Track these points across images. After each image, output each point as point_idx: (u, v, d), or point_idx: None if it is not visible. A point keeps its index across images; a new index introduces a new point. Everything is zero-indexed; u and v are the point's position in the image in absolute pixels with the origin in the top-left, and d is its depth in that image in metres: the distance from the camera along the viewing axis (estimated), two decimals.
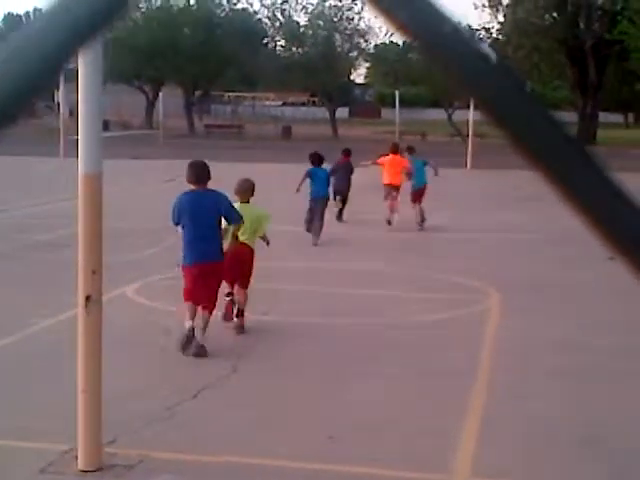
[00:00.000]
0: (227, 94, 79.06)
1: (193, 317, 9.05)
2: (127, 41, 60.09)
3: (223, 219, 9.45)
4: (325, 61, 61.16)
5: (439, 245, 16.46)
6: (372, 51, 67.05)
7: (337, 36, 64.15)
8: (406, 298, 11.91)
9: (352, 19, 63.20)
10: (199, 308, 9.10)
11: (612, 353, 9.38)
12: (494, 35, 63.98)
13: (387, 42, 69.17)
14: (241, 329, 9.84)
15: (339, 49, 64.70)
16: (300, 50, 64.39)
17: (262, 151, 45.32)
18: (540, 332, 10.08)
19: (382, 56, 67.82)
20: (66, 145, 33.14)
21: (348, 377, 8.34)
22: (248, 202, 10.38)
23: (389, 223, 18.58)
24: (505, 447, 6.60)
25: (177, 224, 9.54)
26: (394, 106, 45.99)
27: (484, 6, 61.57)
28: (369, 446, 6.58)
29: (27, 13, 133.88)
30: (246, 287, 10.07)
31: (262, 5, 65.09)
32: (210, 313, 9.15)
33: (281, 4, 63.60)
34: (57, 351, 8.50)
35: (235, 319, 9.97)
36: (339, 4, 62.43)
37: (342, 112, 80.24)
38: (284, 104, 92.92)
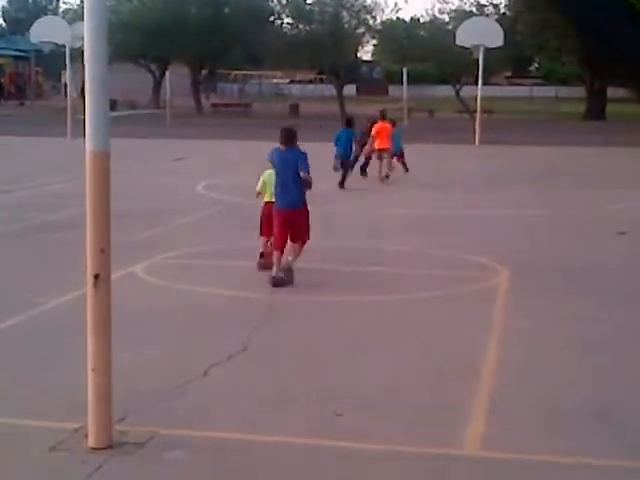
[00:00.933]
0: (234, 72, 78.84)
1: (279, 265, 10.95)
2: (133, 20, 59.90)
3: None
4: (332, 38, 60.78)
5: (446, 222, 16.42)
6: (379, 28, 66.58)
7: (344, 13, 63.76)
8: (412, 275, 11.90)
9: None
10: (288, 243, 11.10)
11: (624, 328, 9.38)
12: (502, 11, 63.66)
13: (394, 18, 68.75)
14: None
15: (346, 26, 64.32)
16: (307, 28, 64.00)
17: (270, 129, 45.17)
18: (550, 308, 10.08)
19: (389, 33, 67.31)
20: (73, 125, 33.12)
21: (356, 353, 8.35)
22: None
23: (387, 177, 22.31)
24: (515, 422, 6.61)
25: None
26: (402, 83, 45.75)
27: None
28: (376, 422, 6.59)
29: None
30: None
31: None
32: (301, 243, 11.23)
33: None
34: (68, 330, 8.53)
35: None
36: None
37: (349, 89, 79.87)
38: (291, 82, 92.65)
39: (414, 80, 57.33)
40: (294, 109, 63.79)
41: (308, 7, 63.43)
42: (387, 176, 22.30)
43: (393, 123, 23.69)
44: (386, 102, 55.35)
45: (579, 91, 66.75)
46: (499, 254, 12.96)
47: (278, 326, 9.28)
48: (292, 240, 11.14)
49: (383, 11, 65.70)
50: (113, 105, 53.18)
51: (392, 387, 7.42)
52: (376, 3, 64.37)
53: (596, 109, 59.24)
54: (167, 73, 55.72)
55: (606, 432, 6.48)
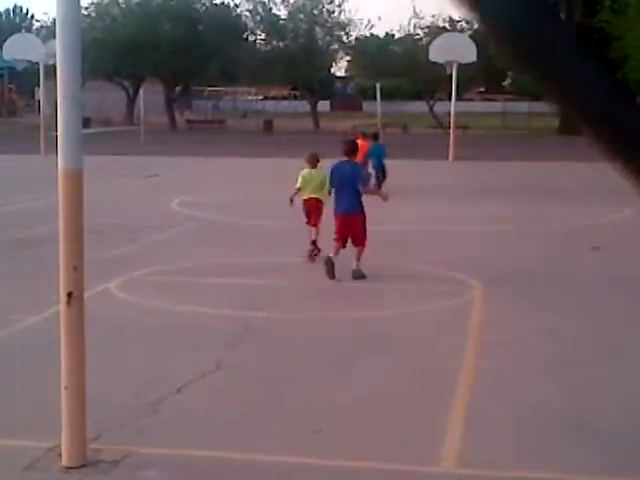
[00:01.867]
0: (208, 89, 78.87)
1: (336, 254, 12.35)
2: (106, 37, 59.87)
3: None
4: (306, 54, 61.07)
5: (419, 238, 16.46)
6: (353, 44, 66.89)
7: (317, 29, 64.06)
8: (388, 290, 11.92)
9: (332, 12, 63.12)
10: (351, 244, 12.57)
11: (597, 341, 9.42)
12: (475, 26, 64.06)
13: (368, 35, 69.08)
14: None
15: (320, 42, 64.60)
16: (281, 44, 64.26)
17: (244, 145, 45.24)
18: (525, 322, 10.11)
19: (363, 49, 67.65)
20: (47, 142, 33.01)
21: (333, 370, 8.34)
22: (316, 167, 14.05)
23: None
24: (492, 437, 6.62)
25: (332, 186, 12.86)
26: (375, 99, 45.92)
27: None
28: (354, 439, 6.58)
29: (7, 10, 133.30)
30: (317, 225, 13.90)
31: None
32: (362, 246, 12.57)
33: None
34: (41, 348, 8.47)
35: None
36: None
37: (323, 105, 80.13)
38: (265, 98, 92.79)
39: (388, 96, 57.61)
40: (268, 125, 63.90)
41: (281, 23, 63.61)
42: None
43: (375, 137, 24.29)
44: (360, 117, 55.60)
45: (552, 106, 67.14)
46: (474, 269, 12.99)
47: (254, 343, 9.25)
48: (354, 244, 12.58)
49: (357, 27, 65.73)
50: (87, 122, 53.08)
51: (370, 402, 7.41)
52: (350, 20, 64.33)
53: (569, 124, 59.51)
54: (141, 90, 55.70)
55: (584, 445, 6.48)
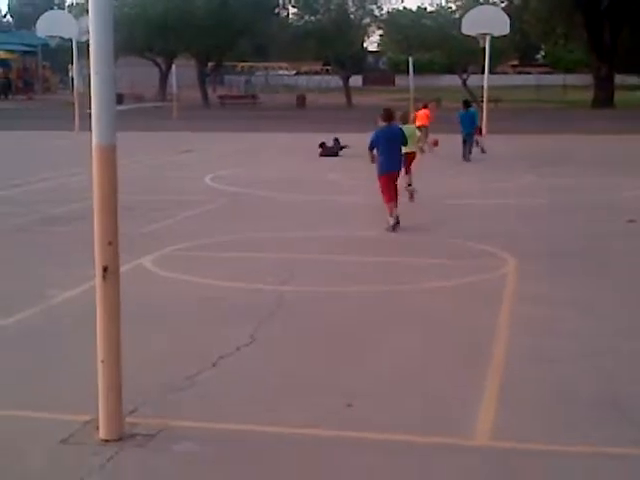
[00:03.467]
0: (240, 65, 78.80)
1: (392, 210, 14.25)
2: (139, 14, 59.88)
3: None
4: (338, 29, 60.78)
5: (454, 211, 16.40)
6: (385, 18, 66.51)
7: (349, 3, 63.73)
8: (421, 264, 11.90)
9: None
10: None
11: (633, 317, 9.36)
12: None
13: (400, 8, 68.69)
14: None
15: (352, 16, 64.28)
16: (312, 18, 64.00)
17: (277, 121, 45.23)
18: (559, 296, 10.06)
19: (395, 22, 67.24)
20: (80, 119, 33.18)
21: (367, 343, 8.35)
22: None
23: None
24: (525, 411, 6.61)
25: (372, 148, 14.44)
26: (408, 73, 45.69)
27: None
28: (388, 412, 6.60)
29: None
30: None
31: None
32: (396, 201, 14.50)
33: None
34: (78, 322, 8.56)
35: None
36: None
37: (356, 80, 79.84)
38: (297, 73, 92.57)
39: (420, 70, 57.29)
40: (301, 100, 63.79)
41: None
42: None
43: (466, 104, 26.54)
44: (393, 92, 55.33)
45: (587, 79, 66.54)
46: (508, 243, 12.94)
47: (287, 317, 9.28)
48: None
49: (389, 0, 65.33)
50: (120, 99, 53.25)
51: (403, 377, 7.42)
52: None
53: (604, 97, 58.99)
54: (173, 66, 55.79)
55: (619, 421, 6.46)
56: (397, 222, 14.08)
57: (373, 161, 14.49)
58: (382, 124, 14.48)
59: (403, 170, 15.60)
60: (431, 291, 10.41)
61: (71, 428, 6.17)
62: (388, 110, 14.77)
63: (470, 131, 25.68)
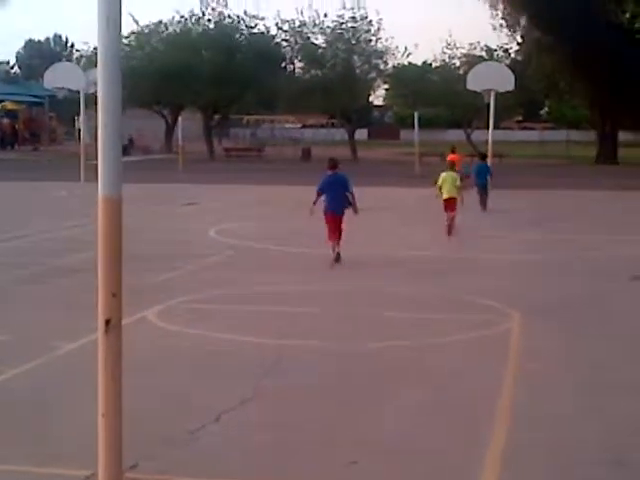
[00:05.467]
0: (246, 117, 79.22)
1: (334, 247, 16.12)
2: (146, 66, 60.33)
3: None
4: (344, 83, 61.13)
5: (457, 265, 16.38)
6: (390, 72, 66.97)
7: (355, 57, 64.19)
8: (424, 319, 11.84)
9: (370, 40, 63.24)
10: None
11: (639, 372, 9.29)
12: (512, 56, 64.00)
13: (405, 63, 69.12)
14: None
15: (358, 70, 64.71)
16: (319, 72, 64.43)
17: (282, 173, 45.36)
18: (564, 353, 10.00)
19: (401, 77, 67.69)
20: (86, 170, 33.32)
21: (369, 399, 8.29)
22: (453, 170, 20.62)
23: None
24: (529, 473, 6.53)
25: (320, 192, 16.39)
26: (413, 127, 45.93)
27: (501, 26, 61.65)
28: (391, 471, 6.52)
29: (47, 39, 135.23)
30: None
31: (280, 28, 64.72)
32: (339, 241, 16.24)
33: (299, 26, 63.73)
34: (79, 374, 8.50)
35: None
36: (356, 25, 62.48)
37: (361, 134, 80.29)
38: (303, 126, 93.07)
39: (425, 124, 57.56)
40: (306, 153, 64.03)
41: (320, 51, 63.81)
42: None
43: (483, 157, 28.57)
44: (398, 146, 55.56)
45: (590, 135, 66.80)
46: (511, 298, 12.89)
47: (290, 372, 9.21)
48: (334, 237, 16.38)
49: (394, 56, 65.77)
50: (126, 150, 53.52)
51: (406, 434, 7.35)
52: (387, 48, 64.37)
53: (607, 153, 59.17)
54: (180, 118, 56.07)
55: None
56: (338, 258, 15.99)
57: (315, 203, 16.47)
58: (329, 172, 16.61)
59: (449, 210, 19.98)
60: (433, 346, 10.34)
61: None
62: (333, 160, 16.95)
63: (484, 182, 26.50)
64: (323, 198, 16.41)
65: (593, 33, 50.83)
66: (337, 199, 16.28)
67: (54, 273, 14.86)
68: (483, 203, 26.27)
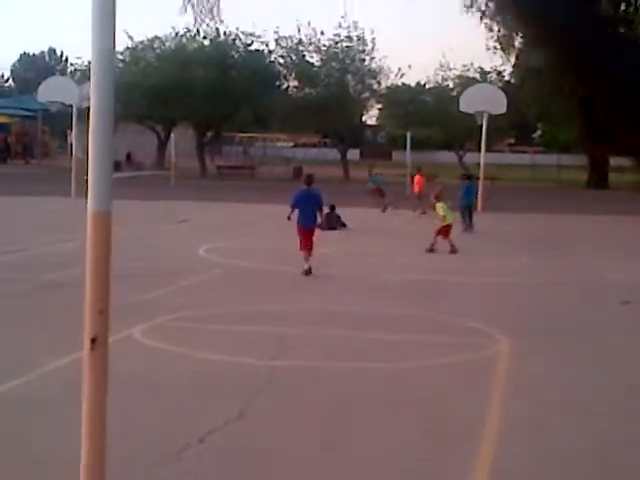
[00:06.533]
0: (239, 135, 79.24)
1: (306, 258, 17.08)
2: (140, 81, 60.36)
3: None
4: (338, 102, 61.25)
5: (446, 288, 16.36)
6: (384, 92, 67.15)
7: (349, 77, 64.37)
8: (410, 341, 11.80)
9: (364, 60, 63.44)
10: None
11: (624, 393, 9.27)
12: (506, 78, 64.26)
13: (399, 83, 69.30)
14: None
15: (351, 90, 64.86)
16: (312, 91, 64.54)
17: (274, 192, 45.34)
18: (552, 375, 9.97)
19: (394, 97, 67.87)
20: (78, 185, 33.25)
21: (356, 422, 8.23)
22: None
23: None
24: None
25: (293, 206, 17.41)
26: (405, 148, 46.00)
27: (495, 48, 61.90)
28: None
29: (42, 52, 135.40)
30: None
31: (279, 44, 64.75)
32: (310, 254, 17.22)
33: (295, 45, 63.89)
34: (66, 392, 8.43)
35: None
36: (351, 45, 62.68)
37: (353, 154, 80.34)
38: (295, 145, 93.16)
39: (418, 145, 57.63)
40: (298, 172, 64.04)
41: (314, 70, 63.94)
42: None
43: (469, 177, 29.26)
44: (390, 167, 55.60)
45: (581, 159, 67.00)
46: (500, 321, 12.87)
47: (277, 393, 9.16)
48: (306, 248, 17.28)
49: (388, 76, 65.96)
50: (118, 166, 53.45)
51: (394, 458, 7.30)
52: (381, 68, 64.58)
53: (598, 178, 59.36)
54: (172, 134, 56.06)
55: None
56: (309, 271, 16.93)
57: (289, 218, 17.46)
58: (303, 187, 17.66)
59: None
60: (421, 369, 10.30)
61: None
62: (310, 176, 18.13)
63: (470, 202, 26.98)
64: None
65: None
66: (308, 214, 17.30)
67: (43, 288, 14.78)
68: (469, 225, 26.56)
